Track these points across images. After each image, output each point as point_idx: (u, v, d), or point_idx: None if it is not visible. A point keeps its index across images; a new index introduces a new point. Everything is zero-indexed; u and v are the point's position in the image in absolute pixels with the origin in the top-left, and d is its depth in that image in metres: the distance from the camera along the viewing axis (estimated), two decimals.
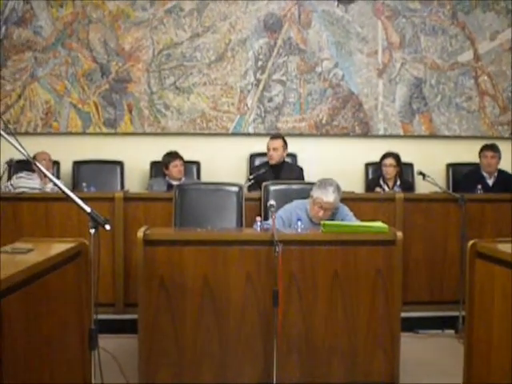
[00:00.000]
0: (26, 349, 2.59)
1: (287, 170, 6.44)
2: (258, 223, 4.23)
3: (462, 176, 6.85)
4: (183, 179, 6.38)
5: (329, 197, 4.51)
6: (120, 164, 7.02)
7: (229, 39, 7.08)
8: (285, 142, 6.47)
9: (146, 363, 4.02)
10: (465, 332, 3.64)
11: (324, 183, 4.59)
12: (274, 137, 6.53)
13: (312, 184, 4.77)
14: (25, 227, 5.43)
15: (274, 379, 3.86)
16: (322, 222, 4.25)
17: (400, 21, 7.19)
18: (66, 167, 6.95)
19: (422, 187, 6.70)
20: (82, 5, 6.97)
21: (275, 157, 6.41)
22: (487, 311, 3.36)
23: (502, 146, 6.69)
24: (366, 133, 7.28)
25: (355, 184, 6.92)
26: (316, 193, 4.55)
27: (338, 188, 4.58)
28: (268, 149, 6.44)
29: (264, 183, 5.46)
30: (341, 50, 7.17)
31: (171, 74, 7.09)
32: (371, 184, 6.74)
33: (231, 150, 7.21)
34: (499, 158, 6.56)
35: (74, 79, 7.03)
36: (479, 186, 6.13)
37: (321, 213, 4.53)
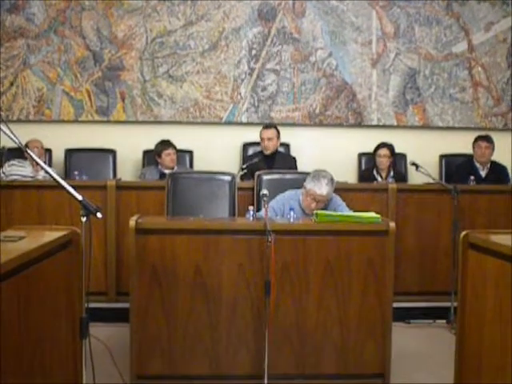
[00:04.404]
0: (17, 336, 2.58)
1: (280, 159, 6.44)
2: (251, 212, 4.22)
3: (455, 167, 6.85)
4: (176, 168, 6.36)
5: (322, 189, 4.50)
6: (112, 152, 6.99)
7: (222, 28, 7.05)
8: (278, 132, 6.47)
9: (137, 352, 4.01)
10: (456, 322, 3.65)
11: (318, 175, 4.57)
12: (268, 126, 6.52)
13: (305, 174, 4.76)
14: (17, 215, 5.41)
15: (266, 369, 3.85)
16: (314, 212, 4.24)
17: (394, 11, 7.17)
18: (58, 155, 6.91)
19: (414, 178, 6.71)
20: None
21: (270, 147, 6.41)
22: (479, 302, 3.37)
23: (496, 137, 6.69)
24: (360, 123, 7.27)
25: (348, 174, 6.92)
26: (309, 184, 4.54)
27: (331, 180, 4.56)
28: (262, 139, 6.44)
29: (257, 172, 5.45)
30: (335, 40, 7.15)
31: (164, 62, 7.06)
32: (364, 174, 6.74)
33: (224, 139, 7.19)
34: (493, 149, 6.57)
35: (67, 67, 6.99)
36: (472, 177, 6.15)
37: (313, 204, 4.52)
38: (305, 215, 4.56)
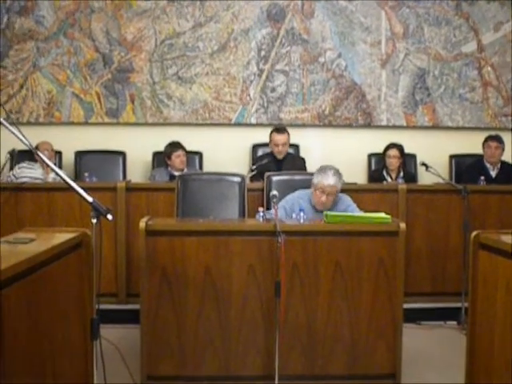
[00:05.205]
0: (28, 339, 2.58)
1: (290, 160, 6.42)
2: (261, 213, 4.21)
3: (465, 167, 6.83)
4: (185, 170, 6.37)
5: (329, 180, 4.52)
6: (122, 154, 7.00)
7: (231, 29, 7.05)
8: (288, 134, 6.44)
9: (148, 354, 4.02)
10: (467, 323, 3.64)
11: (323, 168, 4.64)
12: (279, 130, 6.43)
13: None
14: (27, 217, 5.42)
15: (276, 370, 3.85)
16: (324, 213, 4.23)
17: (404, 11, 7.16)
18: (68, 157, 6.93)
19: (424, 178, 6.69)
20: None
21: (284, 151, 6.39)
22: (490, 303, 3.36)
23: (506, 137, 6.67)
24: (369, 123, 7.25)
25: (358, 175, 6.92)
26: (317, 178, 4.58)
27: (337, 172, 4.61)
28: (276, 144, 6.38)
29: (266, 174, 5.45)
30: (344, 40, 7.14)
31: (173, 63, 7.07)
32: (374, 175, 6.73)
33: (234, 141, 7.19)
34: (503, 149, 6.54)
35: (76, 69, 7.01)
36: (482, 178, 6.12)
37: (323, 197, 4.53)
38: (316, 213, 4.55)
